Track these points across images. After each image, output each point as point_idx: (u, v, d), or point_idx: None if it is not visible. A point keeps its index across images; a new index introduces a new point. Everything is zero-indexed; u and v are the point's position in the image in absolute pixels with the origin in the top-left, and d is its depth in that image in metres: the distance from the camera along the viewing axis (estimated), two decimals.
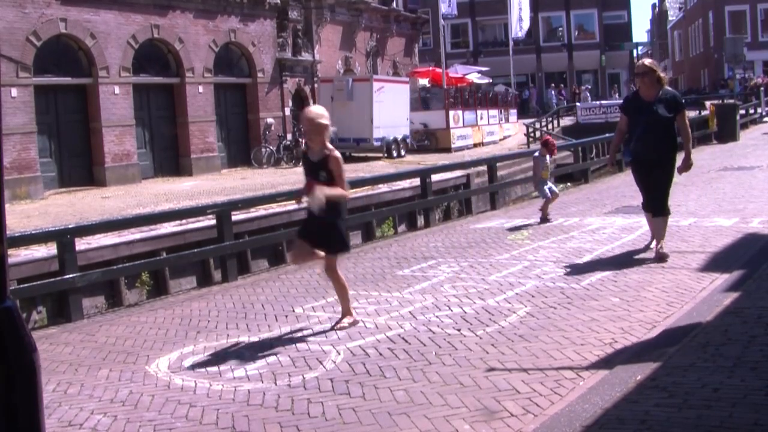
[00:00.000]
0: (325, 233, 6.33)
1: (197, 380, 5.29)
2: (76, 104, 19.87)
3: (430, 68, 35.17)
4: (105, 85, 19.99)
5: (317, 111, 6.34)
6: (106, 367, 5.78)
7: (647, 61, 8.47)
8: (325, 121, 6.22)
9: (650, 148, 8.03)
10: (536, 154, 11.98)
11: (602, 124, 31.15)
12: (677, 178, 8.70)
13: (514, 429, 4.15)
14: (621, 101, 13.11)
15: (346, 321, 6.42)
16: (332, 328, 6.33)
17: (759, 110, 35.46)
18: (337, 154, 6.29)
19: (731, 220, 10.32)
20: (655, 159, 8.08)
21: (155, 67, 21.92)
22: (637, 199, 13.37)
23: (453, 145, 28.20)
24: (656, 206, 8.25)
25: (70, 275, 8.18)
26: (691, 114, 33.03)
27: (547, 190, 11.68)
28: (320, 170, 6.22)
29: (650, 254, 8.46)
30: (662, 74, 8.18)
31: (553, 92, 47.35)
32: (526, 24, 42.69)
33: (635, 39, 64.79)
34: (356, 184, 13.68)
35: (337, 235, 6.38)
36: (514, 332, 5.92)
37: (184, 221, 11.14)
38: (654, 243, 8.45)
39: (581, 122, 34.25)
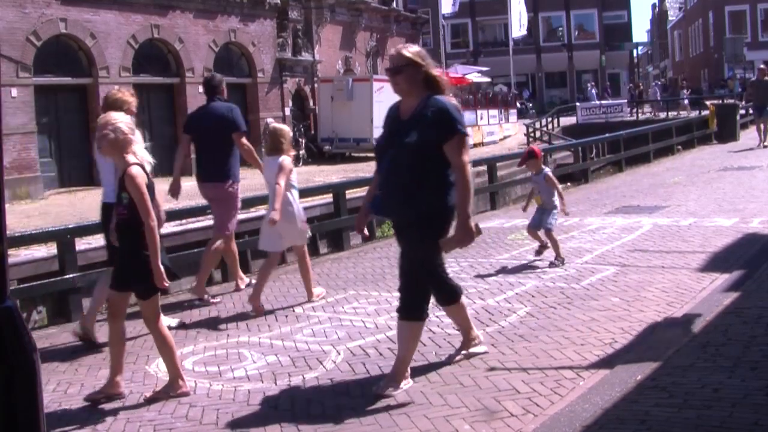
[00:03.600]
0: (124, 268, 5.01)
1: (197, 380, 5.28)
2: (76, 104, 19.87)
3: None
4: (105, 85, 19.95)
5: (115, 116, 5.07)
6: (106, 367, 5.77)
7: (410, 48, 4.90)
8: (123, 126, 4.94)
9: (391, 202, 4.86)
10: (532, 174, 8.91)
11: (602, 124, 31.17)
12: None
13: (514, 429, 4.15)
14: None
15: (166, 390, 5.02)
16: (147, 401, 4.96)
17: None
18: (135, 171, 4.80)
19: (731, 220, 10.32)
20: (401, 223, 4.98)
21: (155, 67, 21.92)
22: (638, 199, 13.47)
23: None
24: (405, 304, 4.92)
25: (71, 275, 8.18)
26: (691, 114, 33.29)
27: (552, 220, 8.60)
28: (121, 191, 4.90)
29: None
30: (435, 70, 4.90)
31: (594, 90, 46.61)
32: (524, 23, 42.69)
33: (635, 39, 64.89)
34: (356, 184, 13.68)
35: (136, 271, 4.89)
36: (514, 332, 5.92)
37: (184, 221, 11.13)
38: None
39: (581, 122, 34.25)
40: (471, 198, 4.77)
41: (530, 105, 47.36)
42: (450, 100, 4.85)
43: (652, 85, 47.50)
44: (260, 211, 12.26)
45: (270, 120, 24.95)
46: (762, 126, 21.21)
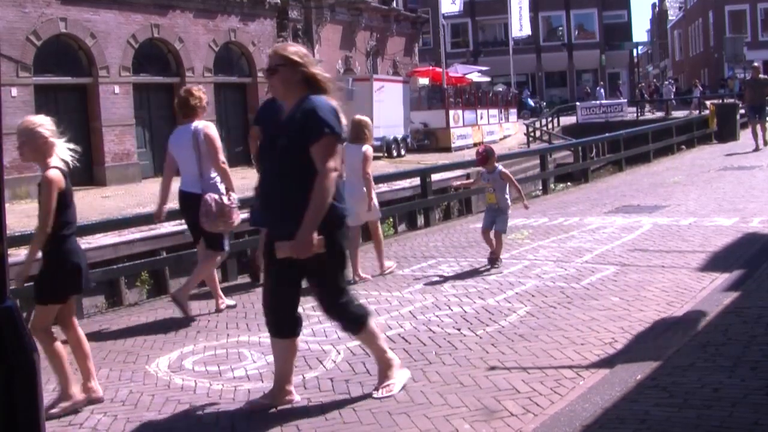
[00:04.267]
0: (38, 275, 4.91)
1: (197, 380, 5.29)
2: (76, 104, 19.88)
3: (430, 68, 35.18)
4: (105, 84, 20.00)
5: (34, 120, 4.98)
6: (106, 367, 5.78)
7: (288, 47, 4.54)
8: (43, 130, 4.85)
9: (266, 214, 4.60)
10: (482, 170, 8.72)
11: (602, 123, 31.19)
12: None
13: (514, 428, 4.15)
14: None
15: (62, 405, 4.80)
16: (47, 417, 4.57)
17: None
18: (52, 175, 4.72)
19: (731, 219, 10.32)
20: (273, 238, 4.51)
21: (155, 67, 21.92)
22: (638, 198, 13.47)
23: (453, 145, 28.23)
24: (273, 322, 4.63)
25: None
26: (675, 114, 33.26)
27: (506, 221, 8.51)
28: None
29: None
30: (316, 69, 4.47)
31: (602, 90, 46.52)
32: (526, 25, 42.68)
33: (635, 39, 64.91)
34: None
35: (44, 278, 4.87)
36: (514, 332, 5.92)
37: (183, 221, 11.13)
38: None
39: (581, 122, 34.27)
40: (322, 210, 4.23)
41: (544, 104, 46.99)
42: (327, 100, 4.39)
43: (665, 84, 46.99)
44: None
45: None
46: (758, 129, 20.33)
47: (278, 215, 4.42)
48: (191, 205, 6.90)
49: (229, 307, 7.34)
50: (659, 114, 36.65)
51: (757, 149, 19.99)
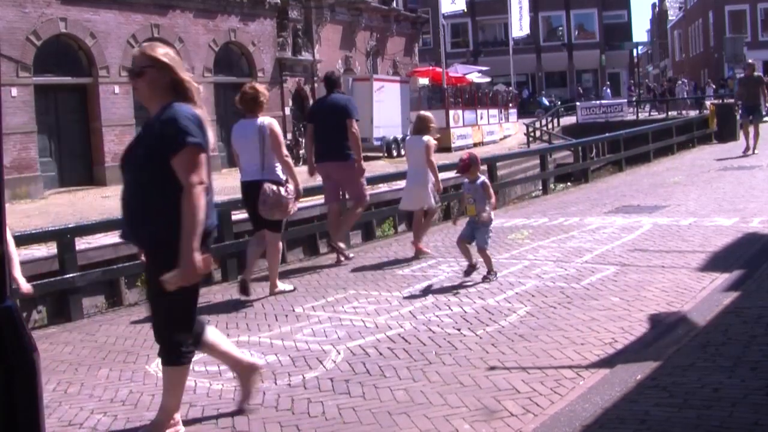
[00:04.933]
0: None
1: (197, 380, 5.28)
2: (76, 104, 19.88)
3: (430, 68, 35.18)
4: (105, 84, 20.00)
5: None
6: (106, 367, 5.78)
7: (156, 48, 4.19)
8: None
9: (127, 227, 4.32)
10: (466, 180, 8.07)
11: (602, 123, 31.19)
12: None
13: (514, 428, 4.15)
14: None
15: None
16: None
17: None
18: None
19: (731, 219, 10.32)
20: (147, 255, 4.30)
21: None
22: (638, 198, 13.46)
23: (453, 145, 28.21)
24: (161, 346, 4.23)
25: (70, 275, 8.18)
26: (690, 113, 33.26)
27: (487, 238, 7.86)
28: None
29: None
30: (184, 75, 4.14)
31: (609, 90, 46.38)
32: (526, 24, 42.68)
33: (635, 39, 64.93)
34: None
35: None
36: (514, 332, 5.92)
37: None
38: None
39: (581, 122, 34.28)
40: (199, 227, 3.88)
41: (558, 102, 46.22)
42: (192, 108, 4.03)
43: (679, 83, 46.44)
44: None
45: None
46: (751, 130, 19.04)
47: (141, 229, 4.12)
48: (252, 193, 7.48)
49: (283, 292, 7.77)
50: (673, 113, 36.34)
51: (746, 151, 19.02)
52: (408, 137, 9.45)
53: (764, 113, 20.03)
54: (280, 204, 7.39)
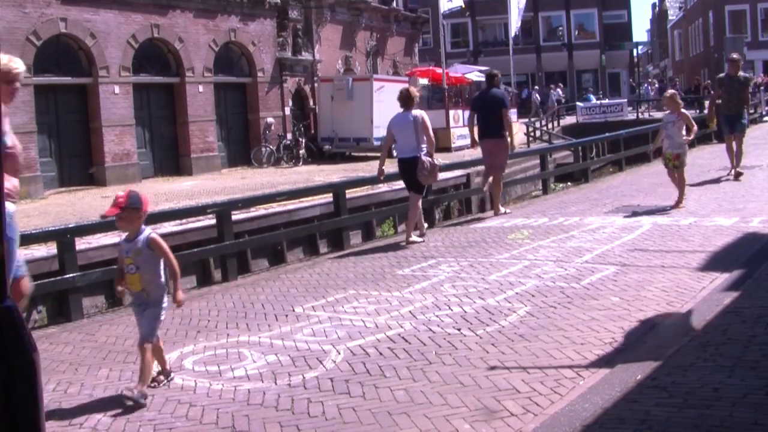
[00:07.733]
0: None
1: (197, 380, 5.29)
2: (76, 104, 19.86)
3: (430, 67, 35.15)
4: (105, 84, 19.98)
5: None
6: (106, 367, 5.78)
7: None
8: None
9: None
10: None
11: (602, 123, 31.18)
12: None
13: (514, 428, 4.16)
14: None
15: None
16: None
17: (759, 110, 35.43)
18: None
19: (731, 219, 10.32)
20: None
21: (155, 67, 21.91)
22: (638, 198, 13.46)
23: (453, 145, 28.19)
24: None
25: (70, 275, 8.18)
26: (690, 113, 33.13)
27: None
28: None
29: None
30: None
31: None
32: (517, 24, 42.61)
33: (635, 39, 64.87)
34: (356, 183, 13.69)
35: None
36: (514, 332, 5.92)
37: (183, 221, 11.14)
38: None
39: (581, 122, 34.27)
40: None
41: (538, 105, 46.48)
42: None
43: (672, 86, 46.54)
44: (260, 210, 12.29)
45: (270, 119, 24.98)
46: (734, 145, 14.74)
47: None
48: (410, 166, 10.04)
49: (415, 242, 10.20)
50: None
51: (730, 172, 14.97)
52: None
53: (746, 122, 15.68)
54: (434, 171, 10.14)
